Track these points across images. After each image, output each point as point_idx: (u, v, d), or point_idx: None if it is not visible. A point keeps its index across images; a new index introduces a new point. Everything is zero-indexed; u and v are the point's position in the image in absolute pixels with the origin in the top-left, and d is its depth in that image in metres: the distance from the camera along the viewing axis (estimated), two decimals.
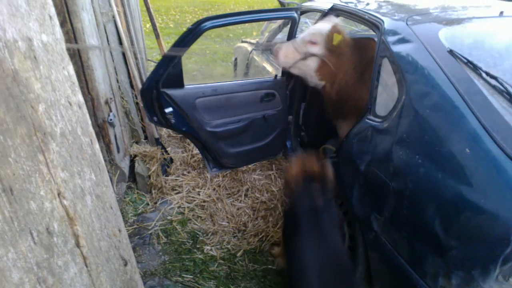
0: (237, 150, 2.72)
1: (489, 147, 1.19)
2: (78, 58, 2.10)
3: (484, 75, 1.41)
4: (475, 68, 1.44)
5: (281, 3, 4.48)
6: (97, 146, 1.13)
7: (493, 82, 1.38)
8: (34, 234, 0.68)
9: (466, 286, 1.18)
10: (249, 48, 4.18)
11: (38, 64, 0.79)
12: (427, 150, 1.35)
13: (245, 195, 2.89)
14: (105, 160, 2.49)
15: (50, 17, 0.89)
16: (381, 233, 1.54)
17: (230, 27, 8.03)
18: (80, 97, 1.04)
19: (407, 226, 1.40)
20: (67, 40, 2.03)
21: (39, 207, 0.71)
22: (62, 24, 1.98)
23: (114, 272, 1.16)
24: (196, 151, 3.12)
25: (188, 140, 3.36)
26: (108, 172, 2.55)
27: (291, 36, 2.63)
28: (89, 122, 1.09)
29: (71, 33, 2.02)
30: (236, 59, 4.81)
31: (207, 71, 6.34)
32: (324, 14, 2.47)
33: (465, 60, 1.47)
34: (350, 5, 2.30)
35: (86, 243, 0.94)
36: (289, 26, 2.63)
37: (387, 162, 1.51)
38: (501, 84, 1.36)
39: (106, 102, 2.46)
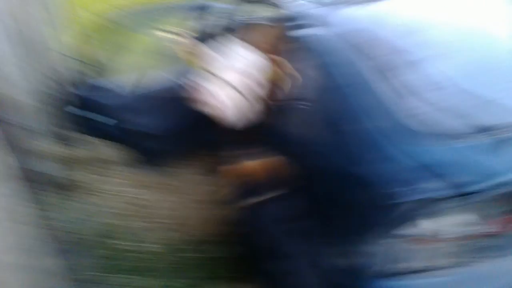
0: None
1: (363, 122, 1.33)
2: None
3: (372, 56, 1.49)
4: (369, 50, 1.51)
5: None
6: None
7: (377, 62, 1.46)
8: None
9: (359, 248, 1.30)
10: None
11: None
12: (326, 134, 1.47)
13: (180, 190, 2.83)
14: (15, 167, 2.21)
15: None
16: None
17: None
18: None
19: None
20: None
21: None
22: None
23: None
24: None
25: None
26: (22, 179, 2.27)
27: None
28: None
29: None
30: None
31: None
32: None
33: (360, 43, 1.53)
34: None
35: None
36: None
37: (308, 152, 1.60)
38: (384, 65, 1.45)
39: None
